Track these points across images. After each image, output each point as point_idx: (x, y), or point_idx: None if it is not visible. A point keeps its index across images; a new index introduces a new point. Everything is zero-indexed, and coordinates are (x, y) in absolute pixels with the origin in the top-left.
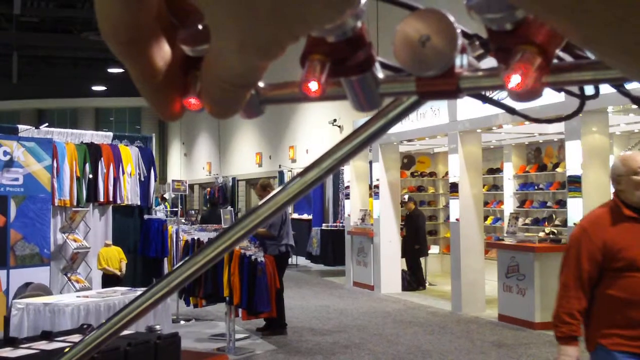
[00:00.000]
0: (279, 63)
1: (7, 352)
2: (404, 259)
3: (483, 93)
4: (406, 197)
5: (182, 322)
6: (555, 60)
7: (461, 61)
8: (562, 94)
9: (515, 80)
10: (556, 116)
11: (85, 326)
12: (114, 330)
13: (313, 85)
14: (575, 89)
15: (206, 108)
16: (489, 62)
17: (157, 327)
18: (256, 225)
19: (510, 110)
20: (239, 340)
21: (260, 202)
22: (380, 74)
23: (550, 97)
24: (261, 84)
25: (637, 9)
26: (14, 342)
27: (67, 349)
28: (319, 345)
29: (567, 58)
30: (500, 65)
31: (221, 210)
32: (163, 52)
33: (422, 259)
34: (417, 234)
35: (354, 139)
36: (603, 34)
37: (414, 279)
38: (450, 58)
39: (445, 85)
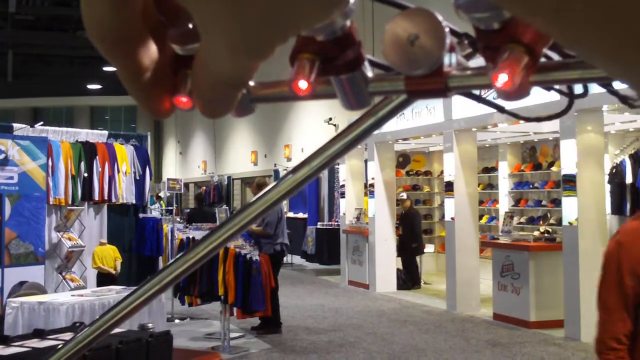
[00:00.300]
0: (270, 61)
1: None
2: (398, 258)
3: (475, 92)
4: (404, 195)
5: (177, 321)
6: (542, 59)
7: (450, 60)
8: (554, 96)
9: (502, 79)
10: (546, 115)
11: (77, 324)
12: (106, 328)
13: (302, 84)
14: (564, 87)
15: (197, 107)
16: (481, 61)
17: (150, 325)
18: (248, 222)
19: (500, 109)
20: (234, 339)
21: (253, 200)
22: (370, 72)
23: (545, 96)
24: (251, 83)
25: (622, 11)
26: (6, 340)
27: (59, 347)
28: (314, 344)
29: (555, 57)
30: (488, 64)
31: (214, 208)
32: (150, 51)
33: (417, 258)
34: (413, 232)
35: (344, 137)
36: (588, 36)
37: (409, 278)
38: (438, 57)
39: (433, 84)
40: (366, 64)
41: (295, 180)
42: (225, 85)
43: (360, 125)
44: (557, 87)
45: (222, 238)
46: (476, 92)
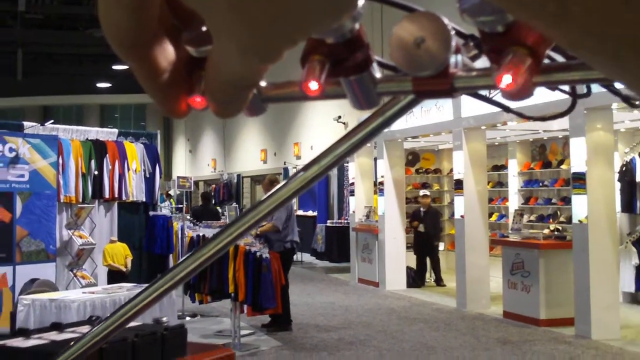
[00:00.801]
0: (281, 62)
1: (19, 342)
2: (406, 256)
3: (482, 92)
4: (427, 192)
5: (188, 318)
6: (546, 61)
7: (456, 61)
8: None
9: (506, 80)
10: (550, 114)
11: (94, 318)
12: (122, 322)
13: (313, 85)
14: (568, 88)
15: (210, 107)
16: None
17: (164, 319)
18: (259, 219)
19: (505, 109)
20: (244, 337)
21: (264, 197)
22: (378, 73)
23: (551, 95)
24: (263, 83)
25: (620, 15)
26: (25, 333)
27: (72, 343)
28: (324, 342)
29: (559, 58)
30: (493, 65)
31: (224, 206)
32: (167, 53)
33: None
34: (436, 230)
35: (353, 136)
36: (587, 39)
37: (419, 276)
38: (444, 59)
39: (440, 84)
40: (375, 65)
41: (305, 179)
42: (235, 86)
43: (369, 124)
44: (561, 87)
45: (234, 235)
46: (483, 92)
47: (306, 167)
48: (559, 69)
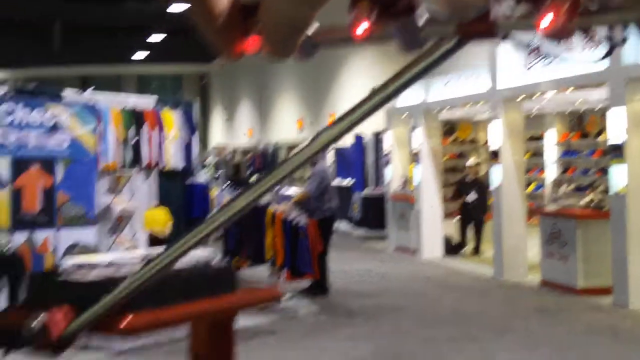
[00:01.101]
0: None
1: (80, 275)
2: (445, 224)
3: (526, 45)
4: (475, 161)
5: None
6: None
7: (498, 6)
8: (603, 62)
9: (547, 20)
10: (586, 60)
11: (147, 258)
12: (173, 258)
13: (362, 28)
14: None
15: (264, 49)
16: None
17: (214, 261)
18: (294, 168)
19: (544, 55)
20: (283, 302)
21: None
22: (424, 17)
23: (592, 66)
24: (313, 29)
25: None
26: (85, 267)
27: (131, 275)
28: (362, 308)
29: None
30: (534, 9)
31: (254, 175)
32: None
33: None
34: (485, 200)
35: (400, 77)
36: None
37: (458, 246)
38: (485, 3)
39: (483, 27)
40: (421, 9)
41: (353, 119)
42: (288, 26)
43: (415, 66)
44: (596, 40)
45: (274, 180)
46: (525, 47)
47: (360, 105)
48: (597, 11)
